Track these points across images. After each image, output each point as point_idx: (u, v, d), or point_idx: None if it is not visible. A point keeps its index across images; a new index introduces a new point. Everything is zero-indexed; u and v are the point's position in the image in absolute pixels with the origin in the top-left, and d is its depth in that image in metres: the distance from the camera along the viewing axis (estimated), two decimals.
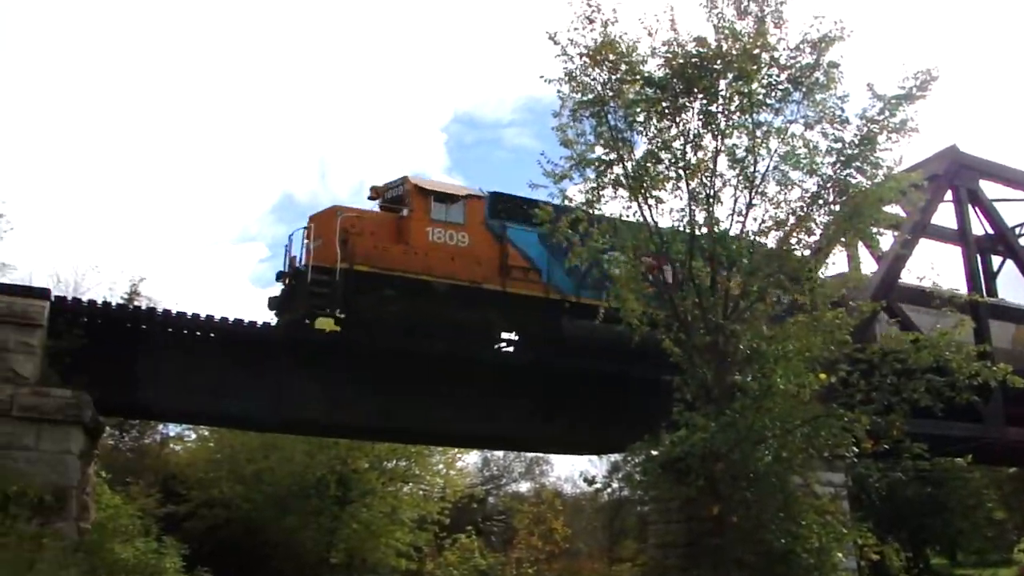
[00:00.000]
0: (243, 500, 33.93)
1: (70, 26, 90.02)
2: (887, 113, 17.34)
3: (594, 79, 17.94)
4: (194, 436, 39.54)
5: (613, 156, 18.08)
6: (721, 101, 17.73)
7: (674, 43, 17.59)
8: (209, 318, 20.32)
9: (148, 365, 19.64)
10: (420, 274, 21.10)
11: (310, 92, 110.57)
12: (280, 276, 21.36)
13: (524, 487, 55.34)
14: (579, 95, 18.04)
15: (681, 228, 18.26)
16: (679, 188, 18.14)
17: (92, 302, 19.97)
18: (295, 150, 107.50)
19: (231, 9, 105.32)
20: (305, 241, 21.03)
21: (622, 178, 18.11)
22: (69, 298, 20.57)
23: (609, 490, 22.67)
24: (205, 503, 33.92)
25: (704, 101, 17.77)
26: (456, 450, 38.21)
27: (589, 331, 21.19)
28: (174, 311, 20.31)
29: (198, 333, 20.59)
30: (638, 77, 17.78)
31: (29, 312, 17.44)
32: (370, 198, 22.91)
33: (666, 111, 17.89)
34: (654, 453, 17.41)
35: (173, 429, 41.19)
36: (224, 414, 22.43)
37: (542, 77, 18.12)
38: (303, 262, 20.67)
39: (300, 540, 33.73)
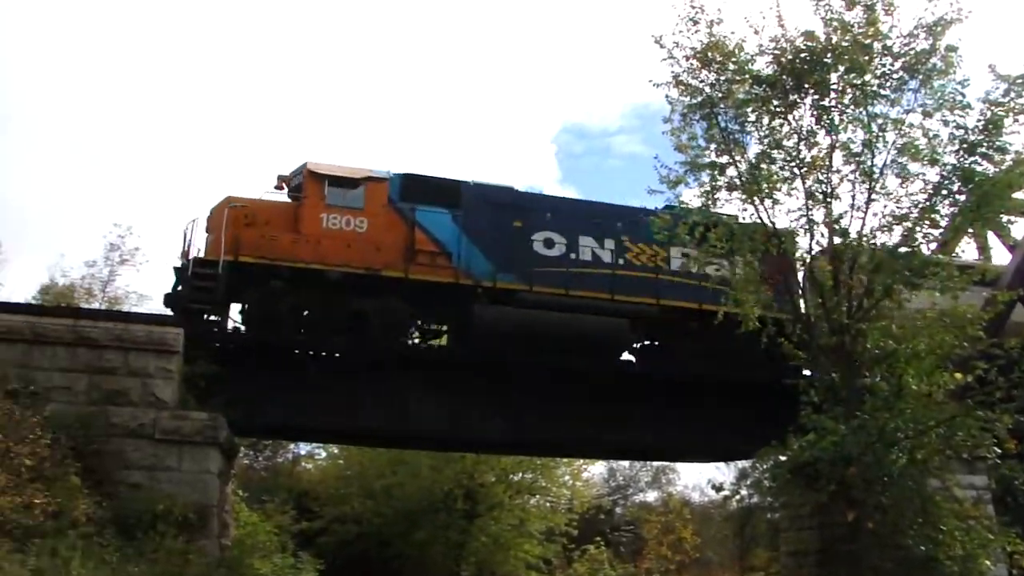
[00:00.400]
0: (373, 515, 34.63)
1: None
2: (1013, 94, 16.66)
3: (702, 81, 17.85)
4: (324, 454, 40.68)
5: (726, 159, 17.91)
6: (833, 95, 17.41)
7: (782, 39, 17.36)
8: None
9: (277, 386, 20.28)
10: (310, 263, 20.00)
11: (417, 109, 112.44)
12: (176, 271, 20.41)
13: (651, 496, 54.73)
14: (688, 98, 17.95)
15: (799, 228, 17.90)
16: (795, 187, 17.83)
17: (223, 328, 20.69)
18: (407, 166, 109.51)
19: (345, 25, 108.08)
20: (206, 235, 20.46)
21: (736, 180, 17.91)
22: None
23: (738, 497, 22.30)
24: (337, 519, 34.76)
25: (816, 96, 17.47)
26: (581, 461, 38.11)
27: (505, 318, 20.67)
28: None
29: (324, 353, 21.13)
30: (747, 76, 17.60)
31: (166, 339, 18.20)
32: (276, 187, 21.49)
33: (777, 109, 17.66)
34: (782, 458, 17.09)
35: (304, 448, 42.47)
36: (350, 431, 22.87)
37: (650, 82, 18.11)
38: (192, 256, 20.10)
39: (430, 554, 34.17)
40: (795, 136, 17.70)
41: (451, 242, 21.27)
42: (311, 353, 20.92)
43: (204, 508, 17.12)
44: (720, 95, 17.72)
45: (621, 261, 22.17)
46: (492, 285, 21.10)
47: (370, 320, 20.43)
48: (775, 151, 17.75)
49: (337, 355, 21.13)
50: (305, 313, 20.55)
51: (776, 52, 17.38)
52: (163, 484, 17.06)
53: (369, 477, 35.02)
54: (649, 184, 18.48)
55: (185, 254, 20.15)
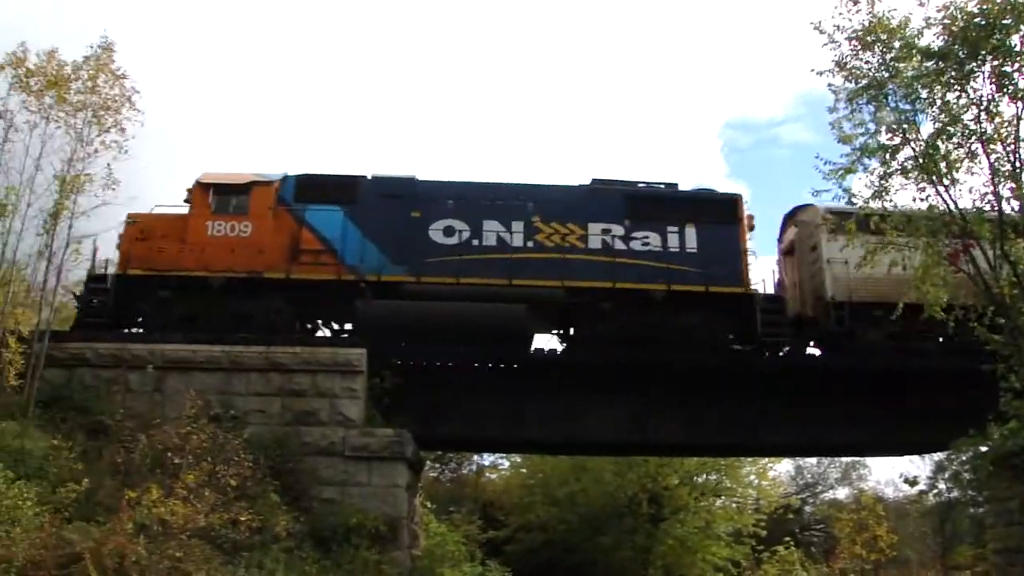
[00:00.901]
0: (558, 522, 35.06)
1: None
2: None
3: (866, 63, 17.19)
4: (507, 464, 41.44)
5: (898, 141, 17.16)
6: (1017, 59, 16.28)
7: (952, 7, 16.44)
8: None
9: (455, 399, 21.04)
10: (194, 271, 20.35)
11: (581, 114, 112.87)
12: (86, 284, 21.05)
13: (841, 493, 53.17)
14: (853, 83, 17.37)
15: (985, 206, 16.94)
16: (977, 163, 16.90)
17: (402, 347, 21.47)
18: (571, 173, 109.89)
19: (513, 29, 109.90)
20: None
21: (910, 162, 17.13)
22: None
23: (935, 491, 21.23)
24: (522, 527, 35.39)
25: (996, 62, 16.39)
26: (766, 460, 37.31)
27: (389, 311, 20.23)
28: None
29: (502, 365, 21.68)
30: (915, 52, 16.78)
31: (350, 360, 19.20)
32: (184, 200, 21.73)
33: (952, 81, 16.73)
34: (983, 449, 16.27)
35: (488, 458, 43.42)
36: (522, 441, 23.26)
37: (812, 70, 17.63)
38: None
39: (616, 559, 34.27)
40: (974, 108, 16.74)
41: (338, 239, 21.14)
42: (476, 366, 21.57)
43: (394, 520, 17.91)
44: (887, 75, 17.00)
45: (530, 244, 21.46)
46: (377, 279, 20.82)
47: (254, 322, 20.43)
48: (952, 127, 16.82)
49: (502, 366, 21.65)
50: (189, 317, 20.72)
51: (946, 23, 16.44)
52: (355, 499, 17.99)
53: (552, 485, 35.45)
54: (814, 173, 17.64)
55: (89, 271, 20.84)
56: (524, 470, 38.37)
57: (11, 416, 16.21)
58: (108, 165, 18.46)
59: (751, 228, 22.32)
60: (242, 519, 14.56)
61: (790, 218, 24.47)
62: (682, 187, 23.17)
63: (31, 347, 16.97)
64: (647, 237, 21.43)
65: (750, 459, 35.88)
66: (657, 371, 21.14)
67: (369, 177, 22.02)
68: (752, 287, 21.57)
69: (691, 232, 21.53)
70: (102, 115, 18.67)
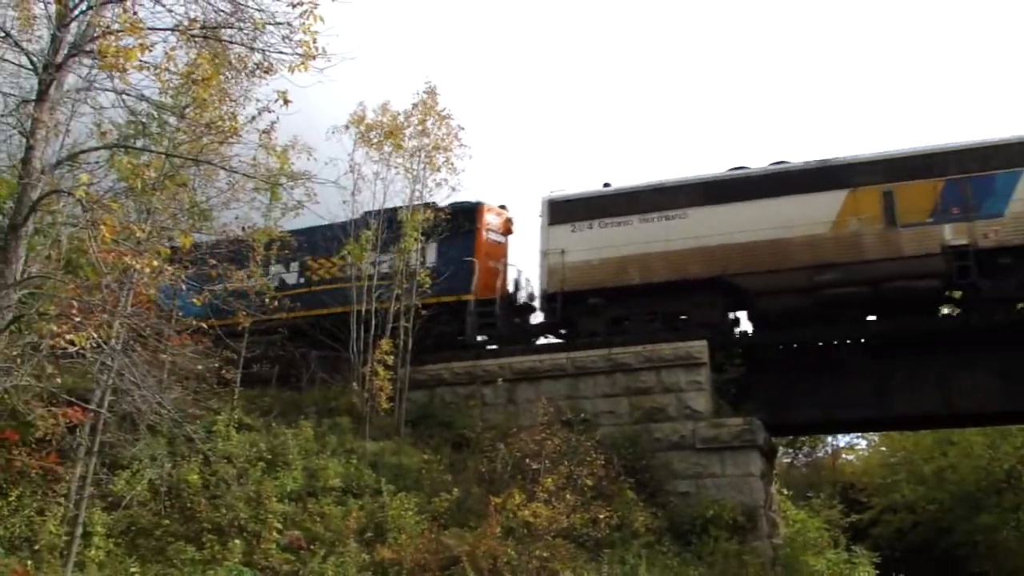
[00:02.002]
0: (927, 502, 32.96)
1: None
2: None
3: None
4: (864, 443, 39.66)
5: None
6: None
7: None
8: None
9: (803, 382, 20.33)
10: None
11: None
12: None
13: None
14: None
15: None
16: None
17: (744, 334, 21.30)
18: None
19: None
20: None
21: None
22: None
23: None
24: (888, 508, 33.67)
25: None
26: None
27: None
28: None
29: (849, 341, 20.60)
30: None
31: (692, 353, 19.35)
32: None
33: None
34: None
35: (843, 439, 41.79)
36: (886, 419, 22.04)
37: None
38: None
39: (999, 540, 31.61)
40: None
41: None
42: (835, 343, 20.69)
43: (752, 510, 17.80)
44: None
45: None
46: None
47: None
48: None
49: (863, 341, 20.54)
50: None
51: None
52: (709, 490, 18.11)
53: (916, 462, 33.43)
54: None
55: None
56: (884, 448, 36.55)
57: (387, 436, 18.16)
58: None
59: (508, 232, 23.41)
60: (601, 517, 15.18)
61: None
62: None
63: (396, 373, 18.78)
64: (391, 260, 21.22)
65: None
66: None
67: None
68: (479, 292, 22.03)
69: (432, 248, 22.21)
70: (434, 155, 20.48)
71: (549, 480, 14.97)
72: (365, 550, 13.48)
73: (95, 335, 9.42)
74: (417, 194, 20.89)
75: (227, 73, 11.80)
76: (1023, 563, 31.28)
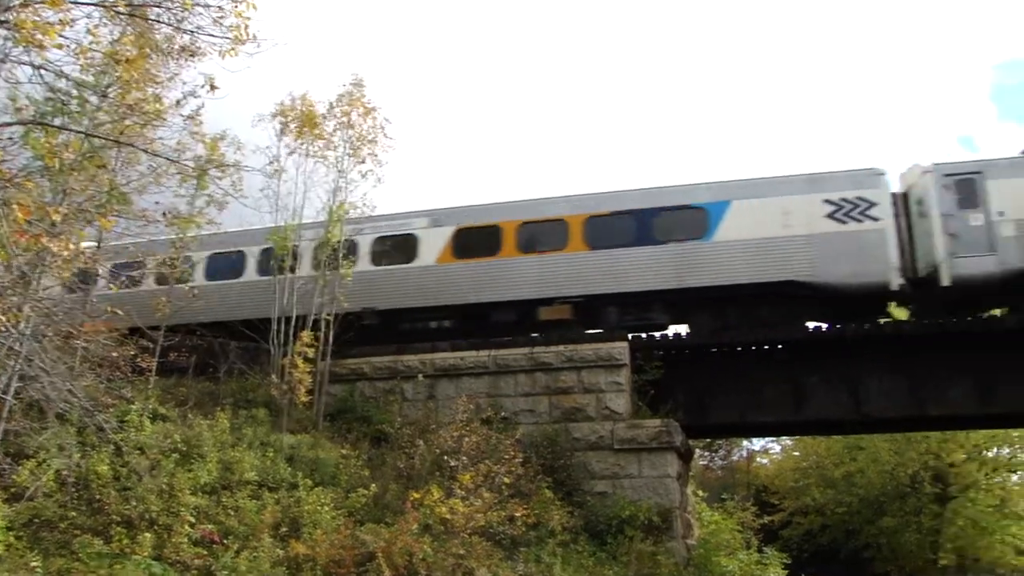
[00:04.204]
0: (836, 505, 33.92)
1: None
2: None
3: None
4: (778, 448, 40.51)
5: None
6: None
7: None
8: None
9: (721, 386, 20.69)
10: None
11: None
12: None
13: None
14: None
15: None
16: None
17: (665, 336, 21.41)
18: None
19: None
20: None
21: None
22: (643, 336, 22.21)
23: None
24: (798, 511, 34.50)
25: None
26: None
27: None
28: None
29: (766, 347, 20.97)
30: None
31: (613, 354, 19.48)
32: None
33: None
34: None
35: (757, 443, 42.65)
36: (800, 421, 22.41)
37: None
38: None
39: (902, 542, 32.62)
40: None
41: None
42: (753, 349, 20.95)
43: (667, 511, 18.00)
44: None
45: None
46: None
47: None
48: None
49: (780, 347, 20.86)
50: None
51: None
52: (626, 491, 18.27)
53: (827, 466, 34.40)
54: None
55: None
56: (797, 453, 37.41)
57: (305, 430, 17.90)
58: (364, 194, 20.62)
59: None
60: (518, 515, 15.19)
61: None
62: None
63: (315, 366, 18.53)
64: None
65: None
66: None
67: None
68: None
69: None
70: (359, 147, 20.28)
71: (467, 477, 14.95)
72: (279, 545, 13.21)
73: (3, 319, 9.08)
74: (341, 184, 20.60)
75: (153, 55, 11.48)
76: (923, 564, 32.46)
